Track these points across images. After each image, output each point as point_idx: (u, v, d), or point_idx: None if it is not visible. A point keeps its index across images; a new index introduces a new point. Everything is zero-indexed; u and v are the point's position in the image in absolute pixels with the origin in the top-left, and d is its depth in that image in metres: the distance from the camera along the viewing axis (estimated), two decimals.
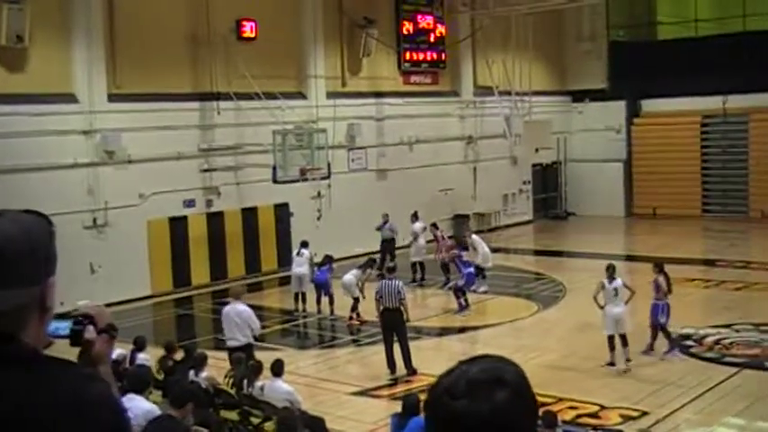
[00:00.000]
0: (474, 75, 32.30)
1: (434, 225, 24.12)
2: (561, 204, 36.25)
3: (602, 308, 14.98)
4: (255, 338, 14.34)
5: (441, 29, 30.90)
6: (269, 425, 10.37)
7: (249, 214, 25.07)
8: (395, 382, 14.81)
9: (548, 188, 36.16)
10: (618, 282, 15.06)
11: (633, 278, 17.34)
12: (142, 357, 12.92)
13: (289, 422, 9.58)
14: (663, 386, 14.00)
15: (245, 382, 11.74)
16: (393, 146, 29.08)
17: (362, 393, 14.39)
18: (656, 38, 35.84)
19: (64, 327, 2.22)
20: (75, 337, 2.24)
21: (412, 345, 15.40)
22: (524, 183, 34.68)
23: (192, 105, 23.76)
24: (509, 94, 30.69)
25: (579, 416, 12.80)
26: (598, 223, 32.95)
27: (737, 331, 17.06)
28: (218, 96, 24.02)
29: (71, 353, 2.22)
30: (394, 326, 15.14)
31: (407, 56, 29.93)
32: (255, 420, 10.77)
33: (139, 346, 13.25)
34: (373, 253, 23.13)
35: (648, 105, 35.39)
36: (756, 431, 12.61)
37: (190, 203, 23.77)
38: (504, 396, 1.74)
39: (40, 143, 20.25)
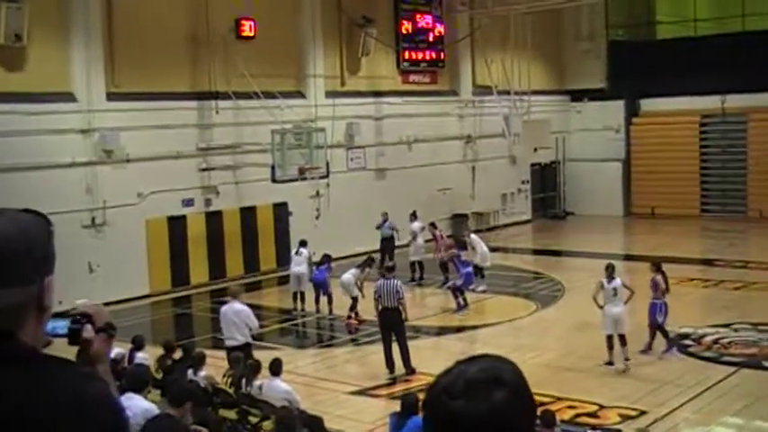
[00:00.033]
0: (473, 74, 32.28)
1: (433, 224, 24.12)
2: (560, 204, 36.22)
3: (601, 308, 14.97)
4: (254, 338, 14.34)
5: (440, 28, 30.90)
6: (267, 424, 10.37)
7: (248, 213, 25.06)
8: (393, 382, 14.81)
9: (546, 188, 36.14)
10: (617, 281, 15.05)
11: (632, 278, 17.31)
12: (141, 356, 12.91)
13: (287, 421, 9.58)
14: (661, 385, 14.01)
15: (244, 381, 11.74)
16: (392, 145, 29.06)
17: (361, 393, 14.39)
18: (655, 37, 35.82)
19: (62, 325, 2.22)
20: (74, 336, 2.24)
21: (410, 344, 15.40)
22: (523, 182, 34.66)
23: (191, 104, 23.75)
24: (508, 93, 30.68)
25: (578, 415, 12.81)
26: (597, 223, 32.94)
27: (736, 331, 17.08)
28: (216, 95, 24.00)
29: (69, 352, 2.22)
30: (392, 325, 15.14)
31: (406, 55, 29.93)
32: (254, 419, 10.77)
33: (138, 345, 13.25)
34: (372, 252, 23.12)
35: (647, 105, 35.37)
36: (754, 430, 12.61)
37: (188, 203, 23.76)
38: (502, 396, 1.74)
39: (38, 142, 20.24)
